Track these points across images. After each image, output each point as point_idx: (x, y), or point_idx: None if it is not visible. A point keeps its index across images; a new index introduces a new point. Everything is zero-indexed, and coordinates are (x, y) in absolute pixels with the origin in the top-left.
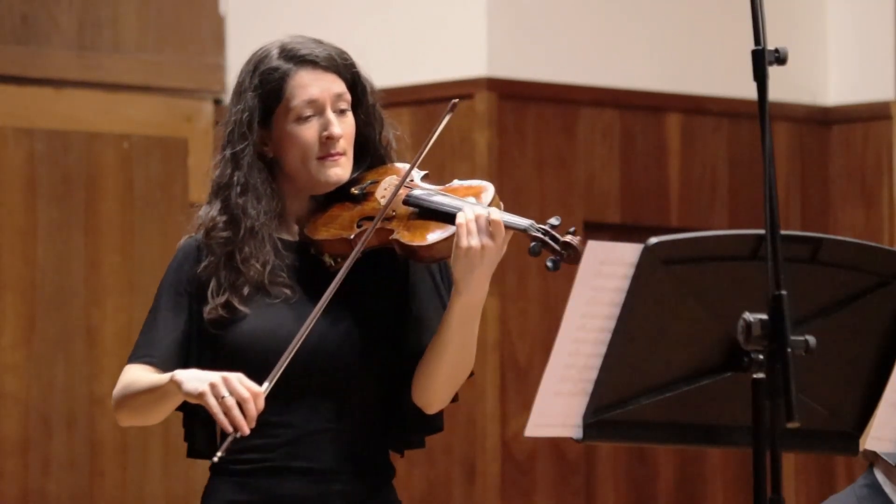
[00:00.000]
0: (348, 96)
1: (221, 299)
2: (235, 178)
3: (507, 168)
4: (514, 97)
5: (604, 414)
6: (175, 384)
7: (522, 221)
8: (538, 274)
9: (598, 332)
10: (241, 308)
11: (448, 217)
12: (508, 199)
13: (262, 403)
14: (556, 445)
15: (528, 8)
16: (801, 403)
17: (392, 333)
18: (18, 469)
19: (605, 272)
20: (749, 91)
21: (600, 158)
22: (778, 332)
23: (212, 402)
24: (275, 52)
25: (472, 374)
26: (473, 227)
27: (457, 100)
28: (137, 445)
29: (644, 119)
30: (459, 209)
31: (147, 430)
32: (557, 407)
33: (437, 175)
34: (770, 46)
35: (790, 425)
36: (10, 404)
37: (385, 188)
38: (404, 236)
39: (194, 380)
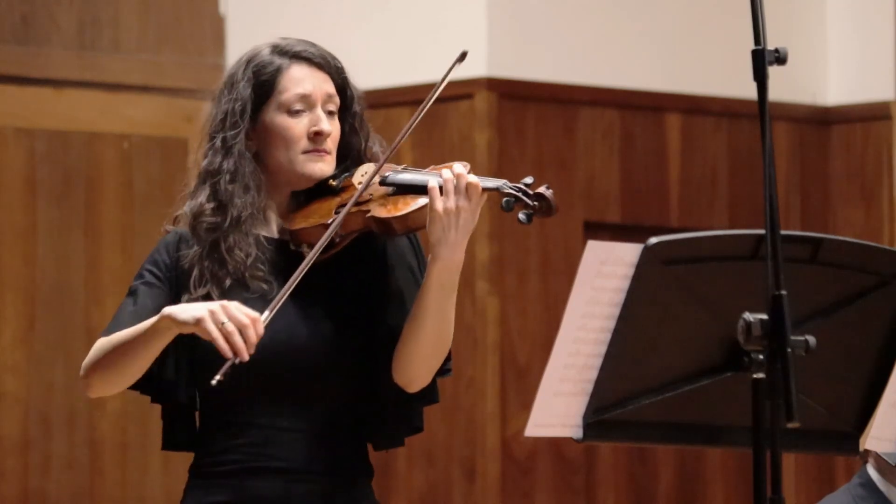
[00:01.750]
0: (338, 100)
1: (202, 290)
2: (225, 166)
3: (507, 168)
4: (514, 97)
5: (604, 414)
6: (168, 319)
7: (495, 181)
8: (538, 274)
9: (598, 332)
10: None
11: (423, 190)
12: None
13: (261, 329)
14: (556, 445)
15: (528, 8)
16: (801, 403)
17: (366, 330)
18: (18, 469)
19: (605, 272)
20: (749, 91)
21: (600, 158)
22: (778, 332)
23: (212, 329)
24: (266, 49)
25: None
26: (451, 187)
27: (467, 50)
28: (137, 445)
29: (644, 119)
30: (434, 177)
31: (147, 430)
32: (557, 407)
33: None
34: (770, 46)
35: (790, 425)
36: (10, 404)
37: (362, 174)
38: (379, 212)
39: (190, 309)
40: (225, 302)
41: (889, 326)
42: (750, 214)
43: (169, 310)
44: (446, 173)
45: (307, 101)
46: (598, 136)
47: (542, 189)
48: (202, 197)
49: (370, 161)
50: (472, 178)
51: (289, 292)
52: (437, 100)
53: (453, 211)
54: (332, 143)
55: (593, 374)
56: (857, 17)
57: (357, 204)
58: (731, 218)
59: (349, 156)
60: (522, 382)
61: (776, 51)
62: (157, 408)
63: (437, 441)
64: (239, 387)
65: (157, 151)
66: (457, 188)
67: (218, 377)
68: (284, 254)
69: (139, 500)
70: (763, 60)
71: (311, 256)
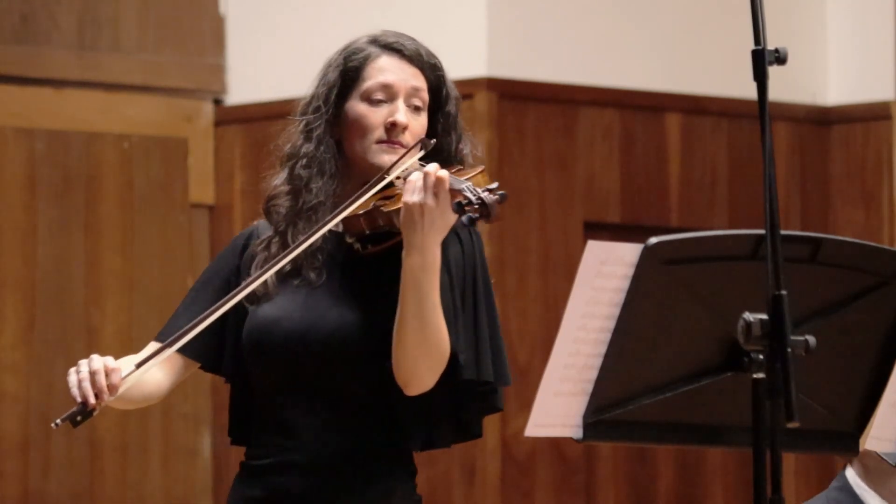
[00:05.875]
0: (426, 96)
1: (259, 272)
2: (303, 150)
3: (507, 168)
4: (514, 97)
5: (604, 414)
6: None
7: (462, 183)
8: (538, 274)
9: (598, 332)
10: (272, 288)
11: None
12: (508, 198)
13: (115, 378)
14: (556, 445)
15: (528, 8)
16: (801, 403)
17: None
18: (18, 469)
19: (605, 272)
20: (749, 91)
21: (600, 158)
22: (778, 332)
23: (69, 374)
24: (364, 39)
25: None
26: (419, 184)
27: (433, 140)
28: (137, 445)
29: (644, 119)
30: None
31: (147, 429)
32: (557, 407)
33: None
34: (770, 46)
35: (790, 425)
36: (10, 404)
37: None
38: (385, 205)
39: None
40: (96, 355)
41: (889, 326)
42: (750, 214)
43: None
44: (421, 172)
45: (389, 92)
46: (598, 136)
47: (485, 194)
48: (279, 179)
49: (460, 163)
50: (442, 173)
51: (243, 292)
52: None
53: (417, 208)
54: (410, 137)
55: (593, 374)
56: (857, 17)
57: (384, 199)
58: (731, 218)
59: (440, 156)
60: (522, 382)
61: (776, 51)
62: (156, 409)
63: None
64: (267, 377)
65: (157, 151)
66: (425, 185)
67: (58, 420)
68: (341, 245)
69: (139, 500)
70: (763, 60)
71: (304, 240)
